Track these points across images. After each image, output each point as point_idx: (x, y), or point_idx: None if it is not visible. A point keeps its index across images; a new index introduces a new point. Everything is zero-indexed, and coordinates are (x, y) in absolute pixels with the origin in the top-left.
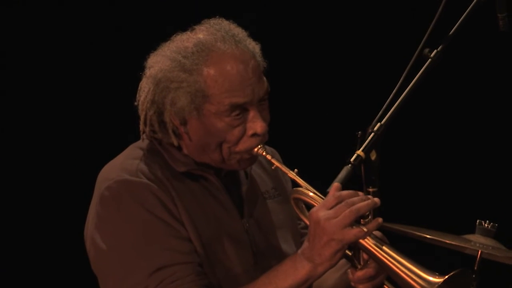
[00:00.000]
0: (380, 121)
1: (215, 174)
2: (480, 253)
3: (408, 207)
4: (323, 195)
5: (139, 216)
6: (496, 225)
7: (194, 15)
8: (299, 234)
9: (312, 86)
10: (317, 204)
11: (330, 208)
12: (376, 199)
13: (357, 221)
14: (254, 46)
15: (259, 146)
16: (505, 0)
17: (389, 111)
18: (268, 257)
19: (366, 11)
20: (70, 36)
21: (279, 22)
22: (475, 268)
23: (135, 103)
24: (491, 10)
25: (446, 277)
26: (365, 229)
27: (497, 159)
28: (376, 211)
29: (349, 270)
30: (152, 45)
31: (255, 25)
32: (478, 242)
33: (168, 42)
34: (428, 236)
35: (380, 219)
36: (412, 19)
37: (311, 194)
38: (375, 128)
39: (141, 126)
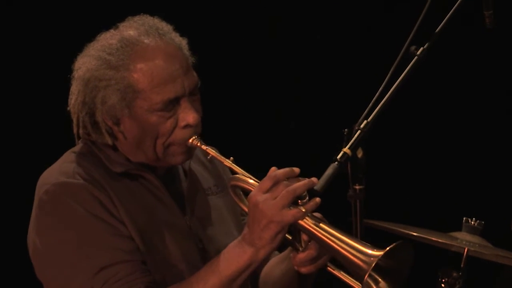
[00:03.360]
0: (367, 119)
1: (153, 173)
2: (467, 250)
3: (395, 204)
4: (259, 180)
5: (79, 216)
6: (483, 222)
7: (121, 14)
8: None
9: (300, 84)
10: (254, 189)
11: (267, 191)
12: (314, 179)
13: (295, 203)
14: (180, 40)
15: (194, 137)
16: None
17: (375, 108)
18: (214, 252)
19: (352, 8)
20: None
21: (267, 13)
22: (462, 265)
23: (68, 108)
24: (478, 7)
25: (387, 249)
26: (303, 209)
27: (484, 157)
28: (363, 209)
29: (291, 254)
30: (80, 47)
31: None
32: (465, 240)
33: (93, 42)
34: (415, 234)
35: (318, 199)
36: (398, 17)
37: (247, 179)
38: (362, 126)
39: (75, 129)
